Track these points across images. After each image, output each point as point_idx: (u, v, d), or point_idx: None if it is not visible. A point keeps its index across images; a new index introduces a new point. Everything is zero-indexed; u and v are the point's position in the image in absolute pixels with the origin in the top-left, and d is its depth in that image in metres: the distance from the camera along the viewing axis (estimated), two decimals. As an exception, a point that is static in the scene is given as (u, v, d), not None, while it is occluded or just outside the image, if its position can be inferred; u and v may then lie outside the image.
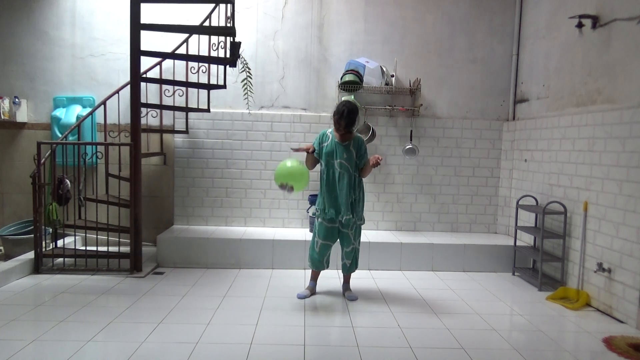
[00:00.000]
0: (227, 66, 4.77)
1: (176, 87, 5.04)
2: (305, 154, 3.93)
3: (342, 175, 3.87)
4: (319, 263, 4.04)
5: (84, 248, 4.76)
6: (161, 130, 5.30)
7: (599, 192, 3.94)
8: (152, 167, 5.42)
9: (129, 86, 4.48)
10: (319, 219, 3.95)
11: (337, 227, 3.93)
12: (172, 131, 5.28)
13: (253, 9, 5.38)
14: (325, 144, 3.92)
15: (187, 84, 4.93)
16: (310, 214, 5.25)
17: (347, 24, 5.44)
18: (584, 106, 4.22)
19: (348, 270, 4.07)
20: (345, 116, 3.78)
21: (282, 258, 4.84)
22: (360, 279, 4.60)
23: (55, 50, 5.35)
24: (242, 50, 4.86)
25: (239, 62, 4.72)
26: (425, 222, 5.59)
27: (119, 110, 4.89)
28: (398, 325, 3.43)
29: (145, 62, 4.68)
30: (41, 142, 4.49)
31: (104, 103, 4.76)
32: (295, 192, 3.90)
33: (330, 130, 3.96)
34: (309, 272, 4.74)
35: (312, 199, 5.23)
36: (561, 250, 4.34)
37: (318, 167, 4.02)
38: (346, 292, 4.08)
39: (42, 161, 4.43)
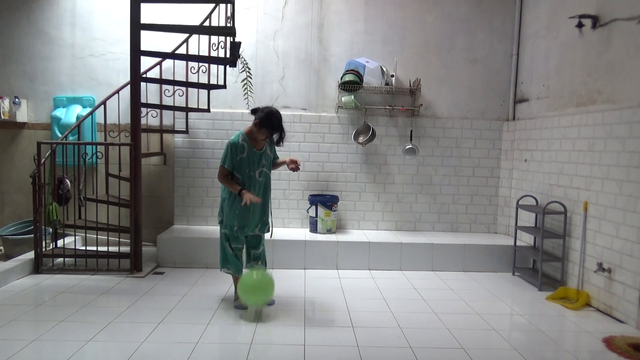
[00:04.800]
0: (227, 66, 4.77)
1: (176, 87, 5.04)
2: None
3: (263, 183, 3.63)
4: (240, 267, 3.73)
5: (84, 248, 4.76)
6: (161, 130, 5.30)
7: (599, 192, 3.94)
8: (152, 167, 5.42)
9: (129, 86, 4.48)
10: (233, 230, 3.61)
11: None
12: (172, 131, 5.28)
13: (253, 9, 5.38)
14: (243, 156, 3.54)
15: (187, 84, 4.93)
16: (311, 214, 5.25)
17: (347, 24, 5.44)
18: (584, 106, 4.22)
19: None
20: (280, 126, 3.51)
21: (282, 258, 4.84)
22: (360, 279, 4.60)
23: (55, 50, 5.35)
24: (242, 50, 4.87)
25: (239, 62, 4.72)
26: (425, 222, 5.59)
27: (119, 110, 4.89)
28: (398, 325, 3.43)
29: (145, 62, 4.69)
30: (41, 142, 4.49)
31: (104, 103, 4.76)
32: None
33: (241, 137, 3.55)
34: (309, 271, 4.77)
35: (312, 199, 5.23)
36: (561, 250, 4.34)
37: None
38: None
39: (42, 161, 4.43)
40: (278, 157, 3.87)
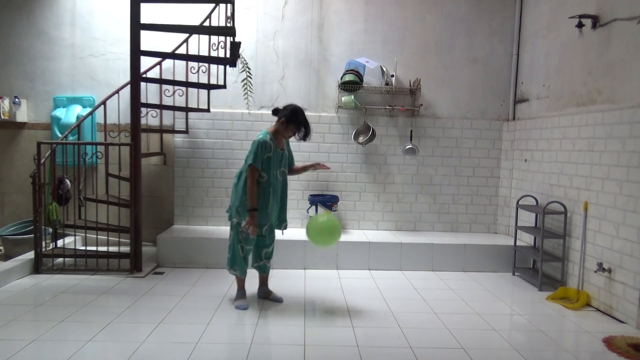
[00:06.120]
0: (227, 66, 4.77)
1: (176, 87, 5.04)
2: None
3: (281, 183, 3.70)
4: (246, 269, 3.77)
5: (84, 248, 4.77)
6: (161, 130, 5.30)
7: (599, 192, 3.94)
8: (152, 167, 5.42)
9: (129, 86, 4.48)
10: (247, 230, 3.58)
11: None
12: (172, 131, 5.28)
13: (253, 9, 5.38)
14: (270, 154, 3.55)
15: (187, 84, 4.93)
16: (311, 214, 5.25)
17: (347, 24, 5.43)
18: (584, 106, 4.22)
19: (268, 270, 3.91)
20: (306, 121, 3.63)
21: (281, 258, 4.82)
22: (360, 279, 4.60)
23: (55, 50, 5.35)
24: (242, 50, 4.87)
25: (239, 62, 4.73)
26: (425, 222, 5.59)
27: (119, 110, 4.89)
28: (398, 325, 3.43)
29: (145, 62, 4.69)
30: (41, 142, 4.49)
31: (104, 103, 4.76)
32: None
33: (268, 136, 3.57)
34: (309, 271, 4.77)
35: (312, 199, 5.23)
36: (561, 250, 4.34)
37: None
38: (271, 294, 3.90)
39: (42, 161, 4.43)
40: (294, 163, 3.89)
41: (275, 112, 3.70)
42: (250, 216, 3.49)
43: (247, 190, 3.51)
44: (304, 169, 3.90)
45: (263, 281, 3.96)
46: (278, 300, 3.87)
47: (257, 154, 3.49)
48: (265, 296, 3.92)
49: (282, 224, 3.85)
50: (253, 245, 3.76)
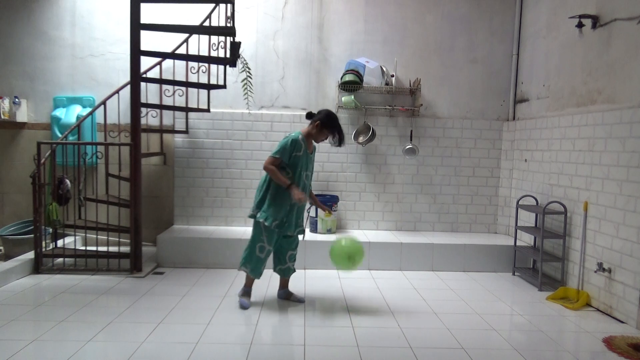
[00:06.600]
0: (227, 66, 4.77)
1: (176, 87, 5.04)
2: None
3: (307, 186, 3.72)
4: (259, 272, 3.72)
5: (84, 248, 4.77)
6: (161, 130, 5.30)
7: (599, 192, 3.94)
8: (152, 167, 5.42)
9: (129, 86, 4.48)
10: (271, 227, 3.57)
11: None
12: (172, 131, 5.28)
13: (253, 9, 5.38)
14: (299, 154, 3.58)
15: (187, 84, 4.93)
16: (311, 214, 5.25)
17: (347, 24, 5.43)
18: (584, 106, 4.22)
19: (291, 273, 3.90)
20: (340, 126, 3.68)
21: (282, 258, 4.84)
22: (360, 279, 4.60)
23: (55, 50, 5.35)
24: (242, 50, 4.86)
25: (239, 62, 4.72)
26: (425, 222, 5.59)
27: (119, 110, 4.89)
28: (398, 325, 3.43)
29: (145, 62, 4.69)
30: (41, 142, 4.49)
31: (104, 103, 4.77)
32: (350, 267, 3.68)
33: (301, 136, 3.61)
34: (309, 272, 4.77)
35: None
36: (561, 250, 4.34)
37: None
38: (292, 296, 3.91)
39: (42, 161, 4.43)
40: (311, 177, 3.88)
41: (309, 115, 3.76)
42: (291, 191, 3.48)
43: (271, 176, 3.55)
44: (312, 197, 3.94)
45: (284, 283, 3.95)
46: (300, 300, 3.87)
47: (284, 147, 3.55)
48: (287, 297, 3.91)
49: (297, 229, 3.80)
50: (273, 245, 3.69)
